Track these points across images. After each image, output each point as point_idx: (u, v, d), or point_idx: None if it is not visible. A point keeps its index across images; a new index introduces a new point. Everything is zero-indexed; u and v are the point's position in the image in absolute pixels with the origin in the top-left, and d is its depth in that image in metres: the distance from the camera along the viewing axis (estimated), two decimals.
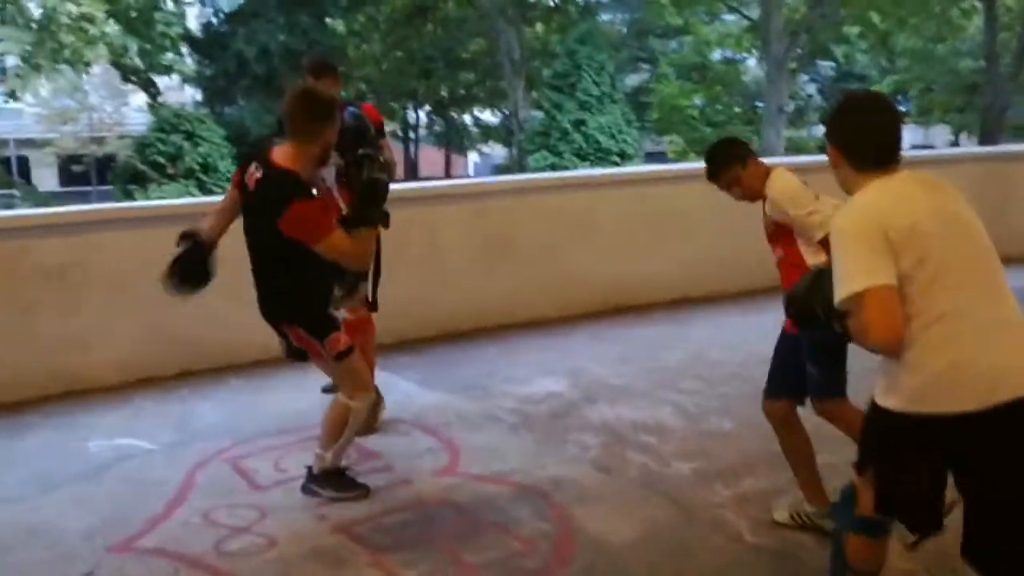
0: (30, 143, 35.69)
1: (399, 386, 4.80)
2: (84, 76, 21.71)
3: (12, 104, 22.01)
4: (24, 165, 36.15)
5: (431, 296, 5.65)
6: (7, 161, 33.09)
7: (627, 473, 3.67)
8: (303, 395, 4.56)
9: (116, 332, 4.92)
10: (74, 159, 36.24)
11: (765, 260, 6.60)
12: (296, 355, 3.39)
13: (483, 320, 5.84)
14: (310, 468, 3.53)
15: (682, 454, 3.82)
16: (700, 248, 6.45)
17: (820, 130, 30.49)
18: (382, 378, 4.67)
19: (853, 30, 21.20)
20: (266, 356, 5.21)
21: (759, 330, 5.82)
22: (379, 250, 3.99)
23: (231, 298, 5.11)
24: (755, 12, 21.40)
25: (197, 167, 16.10)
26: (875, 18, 19.78)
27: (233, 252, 5.12)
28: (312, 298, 3.29)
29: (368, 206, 3.20)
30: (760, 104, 25.46)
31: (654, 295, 6.30)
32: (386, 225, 3.30)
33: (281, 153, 3.12)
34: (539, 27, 25.91)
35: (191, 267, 3.35)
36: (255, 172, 3.13)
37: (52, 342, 4.78)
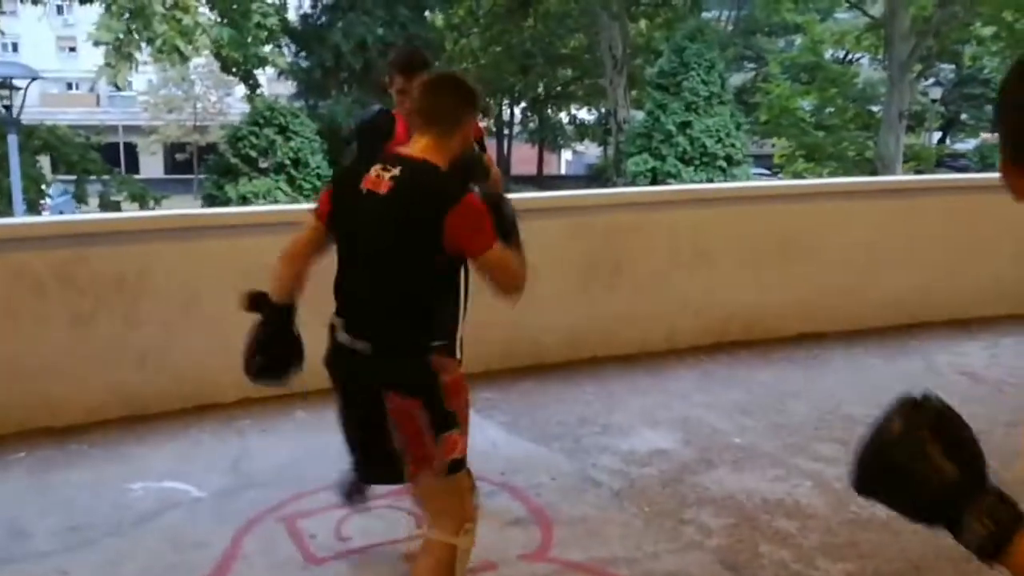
0: (137, 130, 36.82)
1: (485, 431, 4.18)
2: (190, 66, 21.91)
3: (124, 92, 22.33)
4: (132, 152, 37.27)
5: (520, 321, 4.98)
6: (115, 148, 34.11)
7: (762, 573, 2.97)
8: None
9: (175, 351, 4.45)
10: (178, 147, 37.24)
11: (910, 292, 5.86)
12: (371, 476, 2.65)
13: (578, 351, 5.17)
14: None
15: (829, 550, 3.09)
16: (831, 276, 5.63)
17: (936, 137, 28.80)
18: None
19: (985, 31, 19.61)
20: None
21: (904, 379, 5.09)
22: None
23: (297, 315, 4.66)
24: (877, 10, 20.11)
25: (288, 162, 15.89)
26: (1010, 17, 18.22)
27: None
28: (451, 353, 2.41)
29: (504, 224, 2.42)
30: (874, 108, 24.05)
31: (776, 329, 5.52)
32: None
33: (412, 149, 2.34)
34: (643, 24, 25.05)
35: (273, 352, 2.47)
36: (384, 172, 2.24)
37: (107, 359, 4.33)
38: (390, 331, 2.27)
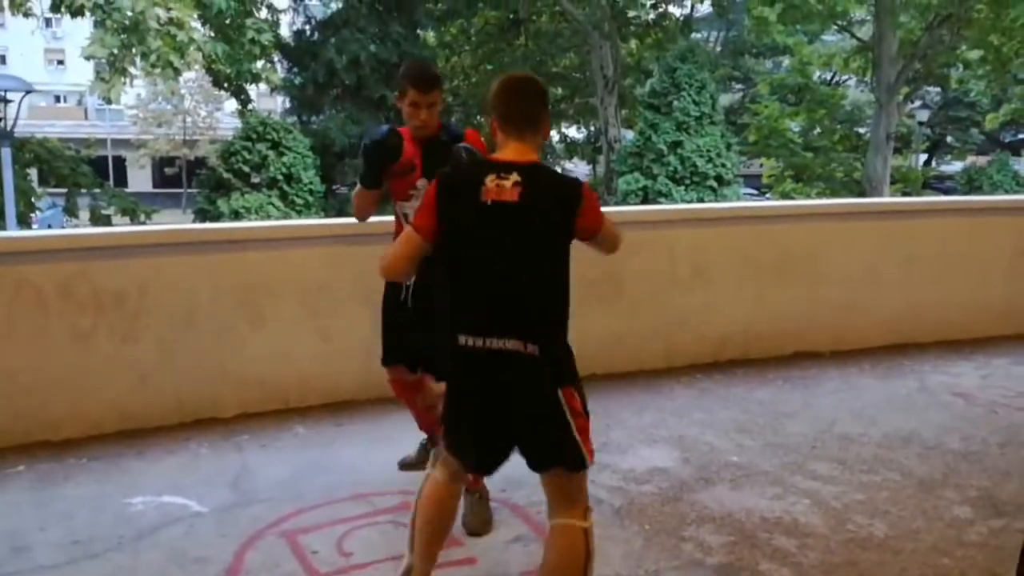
0: (126, 144, 36.76)
1: None
2: (180, 80, 21.86)
3: (113, 105, 22.26)
4: (120, 166, 37.18)
5: None
6: (103, 161, 34.01)
7: None
8: (381, 452, 4.00)
9: (175, 365, 4.46)
10: (167, 161, 37.18)
11: (904, 313, 5.92)
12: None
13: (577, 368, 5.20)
14: None
15: (830, 569, 3.11)
16: (826, 296, 5.70)
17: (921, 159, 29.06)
18: None
19: (972, 55, 19.85)
20: (335, 399, 4.72)
21: (898, 399, 5.12)
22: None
23: (296, 330, 4.67)
24: (866, 33, 20.32)
25: (281, 177, 15.90)
26: (996, 41, 18.44)
27: (300, 282, 4.69)
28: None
29: None
30: (861, 130, 24.28)
31: (772, 348, 5.57)
32: None
33: (512, 154, 2.46)
34: (633, 44, 25.23)
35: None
36: (503, 181, 2.37)
37: (107, 373, 4.35)
38: (551, 330, 2.43)
